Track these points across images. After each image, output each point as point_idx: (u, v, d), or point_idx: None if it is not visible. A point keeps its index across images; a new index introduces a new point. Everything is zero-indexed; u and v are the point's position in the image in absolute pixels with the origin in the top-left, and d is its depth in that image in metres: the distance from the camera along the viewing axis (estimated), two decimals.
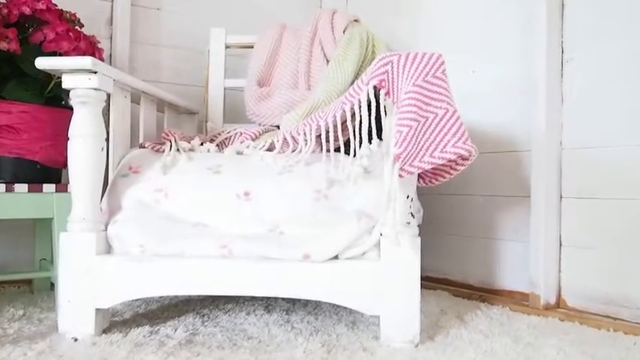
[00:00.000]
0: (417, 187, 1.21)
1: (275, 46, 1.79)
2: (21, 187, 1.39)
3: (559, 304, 1.48)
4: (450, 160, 1.11)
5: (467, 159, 1.15)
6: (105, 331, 1.21)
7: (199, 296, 1.59)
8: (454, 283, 1.78)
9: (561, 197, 1.49)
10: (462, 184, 1.75)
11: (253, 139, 1.49)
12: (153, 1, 1.97)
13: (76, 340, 1.16)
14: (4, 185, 1.36)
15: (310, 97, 1.59)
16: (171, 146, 1.35)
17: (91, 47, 1.49)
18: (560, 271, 1.49)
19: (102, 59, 1.53)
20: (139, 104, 1.47)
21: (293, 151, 1.31)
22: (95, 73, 1.16)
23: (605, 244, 1.40)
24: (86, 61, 1.14)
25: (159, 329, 1.25)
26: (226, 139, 1.53)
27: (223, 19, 2.06)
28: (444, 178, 1.22)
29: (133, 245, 1.20)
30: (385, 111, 1.14)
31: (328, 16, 1.77)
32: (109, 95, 1.24)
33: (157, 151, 1.35)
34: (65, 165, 1.48)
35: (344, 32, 1.72)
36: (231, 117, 1.90)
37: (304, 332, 1.25)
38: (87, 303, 1.18)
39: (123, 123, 1.35)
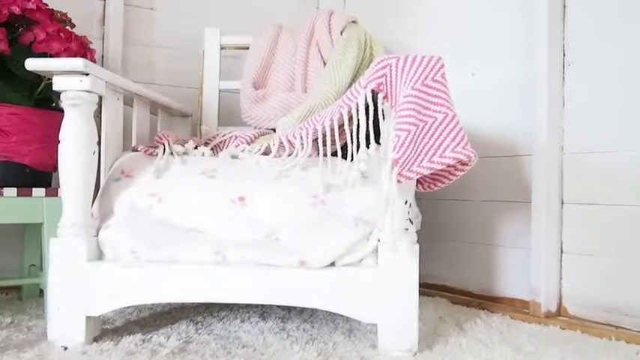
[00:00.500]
0: (416, 192, 1.21)
1: (271, 48, 1.80)
2: (10, 191, 1.38)
3: (560, 312, 1.49)
4: (449, 166, 1.11)
5: (466, 164, 1.16)
6: (96, 340, 1.21)
7: (193, 303, 1.58)
8: (453, 290, 1.78)
9: (563, 203, 1.49)
10: (461, 189, 1.75)
11: (249, 143, 1.49)
12: (146, 0, 1.98)
13: (65, 348, 1.15)
14: None
15: (307, 99, 1.60)
16: (164, 150, 1.35)
17: (82, 48, 1.49)
18: (561, 279, 1.49)
19: (94, 60, 1.53)
20: (131, 106, 1.47)
21: (289, 155, 1.31)
22: (87, 75, 1.15)
23: (608, 251, 1.40)
24: (78, 63, 1.13)
25: (151, 337, 1.25)
26: (221, 142, 1.53)
27: (218, 20, 2.06)
28: (443, 183, 1.22)
29: (125, 251, 1.20)
30: (383, 115, 1.14)
31: (325, 17, 1.78)
32: (100, 97, 1.24)
33: (150, 154, 1.35)
34: (55, 168, 1.48)
35: (341, 34, 1.73)
36: (225, 120, 1.89)
37: (300, 340, 1.24)
38: (77, 310, 1.17)
39: (115, 126, 1.34)
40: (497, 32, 1.68)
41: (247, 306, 1.56)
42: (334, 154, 1.28)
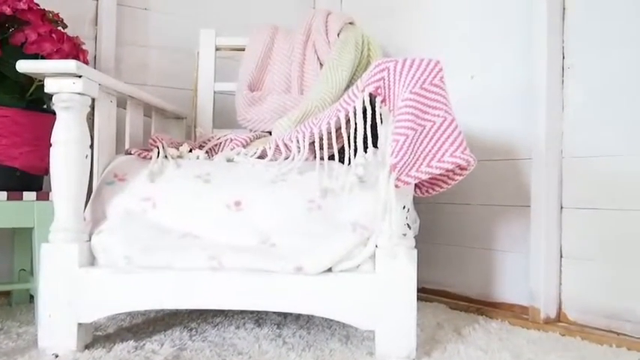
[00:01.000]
0: (413, 197, 1.22)
1: (267, 49, 1.80)
2: None
3: (560, 317, 1.49)
4: (447, 170, 1.12)
5: (465, 168, 1.16)
6: (87, 347, 1.21)
7: (187, 309, 1.58)
8: (451, 295, 1.79)
9: (562, 207, 1.50)
10: (459, 193, 1.76)
11: (244, 146, 1.49)
12: (140, 0, 1.97)
13: (56, 356, 1.15)
14: None
15: (303, 102, 1.60)
16: (158, 153, 1.35)
17: (75, 49, 1.48)
18: (560, 284, 1.50)
19: (86, 62, 1.53)
20: (124, 108, 1.47)
21: (286, 158, 1.31)
22: (80, 77, 1.15)
23: (608, 256, 1.41)
24: (70, 65, 1.13)
25: (144, 344, 1.24)
26: (216, 145, 1.53)
27: (213, 20, 2.06)
28: (442, 188, 1.23)
29: (118, 256, 1.19)
30: (381, 119, 1.15)
31: (322, 18, 1.78)
32: (93, 100, 1.24)
33: (144, 158, 1.35)
34: (46, 172, 1.48)
35: (338, 35, 1.73)
36: (220, 122, 1.90)
37: (296, 347, 1.24)
38: (69, 317, 1.17)
39: (108, 128, 1.34)
40: (496, 34, 1.68)
41: (242, 312, 1.55)
42: (331, 157, 1.28)
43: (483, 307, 1.66)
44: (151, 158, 1.34)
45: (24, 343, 1.24)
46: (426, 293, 1.82)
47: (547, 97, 1.49)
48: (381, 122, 1.15)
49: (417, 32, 1.93)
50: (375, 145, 1.17)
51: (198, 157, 1.39)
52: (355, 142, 1.16)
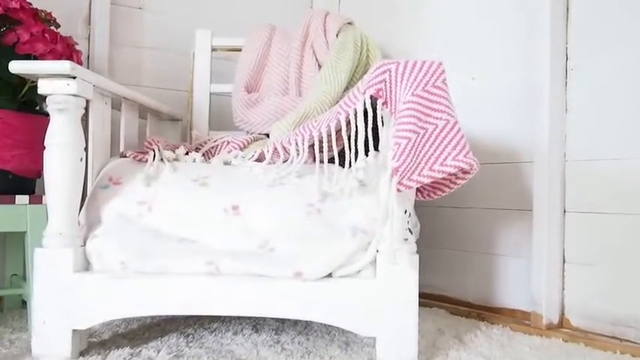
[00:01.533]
0: (414, 200, 1.22)
1: (264, 50, 1.80)
2: None
3: (562, 323, 1.49)
4: (450, 174, 1.12)
5: (468, 172, 1.16)
6: (82, 354, 1.20)
7: (183, 314, 1.58)
8: (451, 300, 1.79)
9: (565, 211, 1.50)
10: (460, 196, 1.76)
11: (241, 149, 1.49)
12: None
13: None
14: None
15: (302, 103, 1.60)
16: (154, 156, 1.34)
17: (68, 49, 1.48)
18: (563, 289, 1.50)
19: (80, 62, 1.52)
20: (119, 110, 1.47)
21: (284, 161, 1.31)
22: (74, 78, 1.15)
23: (611, 261, 1.41)
24: (65, 66, 1.13)
25: (140, 351, 1.24)
26: (213, 148, 1.52)
27: (209, 20, 2.06)
28: (444, 192, 1.22)
29: (113, 262, 1.19)
30: (382, 121, 1.15)
31: (320, 18, 1.78)
32: (87, 101, 1.23)
33: (140, 160, 1.34)
34: (39, 175, 1.47)
35: (337, 36, 1.73)
36: (217, 124, 1.89)
37: (295, 354, 1.24)
38: (63, 324, 1.16)
39: (103, 131, 1.34)
40: (497, 35, 1.69)
41: (240, 317, 1.55)
42: (331, 160, 1.28)
43: (484, 312, 1.66)
44: (146, 161, 1.34)
45: (17, 350, 1.24)
46: (425, 298, 1.82)
47: (550, 99, 1.49)
48: (383, 125, 1.15)
49: (417, 32, 1.93)
50: (376, 147, 1.16)
51: (194, 160, 1.39)
52: (356, 145, 1.16)
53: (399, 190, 1.08)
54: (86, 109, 1.24)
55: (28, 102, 1.46)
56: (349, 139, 1.18)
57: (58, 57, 1.43)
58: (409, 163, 1.07)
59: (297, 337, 1.37)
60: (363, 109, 1.14)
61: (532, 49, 1.55)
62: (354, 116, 1.16)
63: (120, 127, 1.46)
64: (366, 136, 1.15)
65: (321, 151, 1.24)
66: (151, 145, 1.40)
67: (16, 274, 1.68)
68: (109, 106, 1.37)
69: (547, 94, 1.49)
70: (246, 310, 1.17)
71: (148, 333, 1.39)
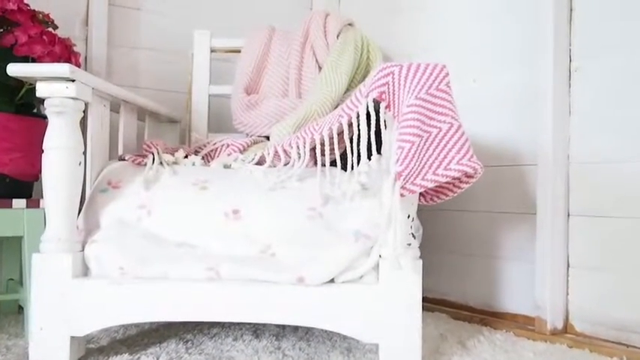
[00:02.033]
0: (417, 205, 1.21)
1: (264, 51, 1.79)
2: None
3: (566, 329, 1.49)
4: (454, 178, 1.11)
5: (472, 176, 1.16)
6: None
7: (183, 320, 1.57)
8: (453, 305, 1.79)
9: (569, 214, 1.50)
10: (463, 200, 1.76)
11: (241, 152, 1.49)
12: (132, 0, 1.97)
13: None
14: None
15: (302, 106, 1.60)
16: (153, 159, 1.34)
17: (66, 51, 1.48)
18: (567, 294, 1.50)
19: (78, 65, 1.52)
20: (117, 112, 1.46)
21: (285, 165, 1.31)
22: (73, 81, 1.15)
23: (616, 265, 1.41)
24: (63, 69, 1.13)
25: (139, 357, 1.24)
26: (212, 150, 1.52)
27: (208, 21, 2.06)
28: (447, 196, 1.22)
29: (112, 267, 1.18)
30: (385, 125, 1.14)
31: (321, 20, 1.78)
32: (86, 104, 1.23)
33: (139, 164, 1.34)
34: (37, 178, 1.47)
35: (337, 37, 1.73)
36: (216, 126, 1.89)
37: None
38: (61, 330, 1.16)
39: (101, 134, 1.33)
40: (499, 36, 1.68)
41: (240, 323, 1.55)
42: (332, 163, 1.27)
43: (487, 317, 1.66)
44: (145, 164, 1.33)
45: (14, 357, 1.23)
46: (427, 302, 1.82)
47: (553, 101, 1.49)
48: (385, 128, 1.14)
49: (418, 34, 1.93)
50: (378, 151, 1.16)
51: (194, 164, 1.39)
52: (358, 148, 1.15)
53: (402, 195, 1.08)
54: (84, 112, 1.24)
55: (25, 104, 1.46)
56: (351, 142, 1.17)
57: (57, 59, 1.43)
58: (413, 168, 1.07)
59: (298, 343, 1.37)
60: (365, 112, 1.14)
61: (535, 50, 1.55)
62: (356, 119, 1.15)
63: (118, 129, 1.46)
64: (369, 140, 1.15)
65: (322, 155, 1.24)
66: (150, 147, 1.39)
67: (12, 279, 1.68)
68: (108, 109, 1.37)
69: (550, 96, 1.49)
70: (247, 316, 1.17)
71: (146, 339, 1.39)
